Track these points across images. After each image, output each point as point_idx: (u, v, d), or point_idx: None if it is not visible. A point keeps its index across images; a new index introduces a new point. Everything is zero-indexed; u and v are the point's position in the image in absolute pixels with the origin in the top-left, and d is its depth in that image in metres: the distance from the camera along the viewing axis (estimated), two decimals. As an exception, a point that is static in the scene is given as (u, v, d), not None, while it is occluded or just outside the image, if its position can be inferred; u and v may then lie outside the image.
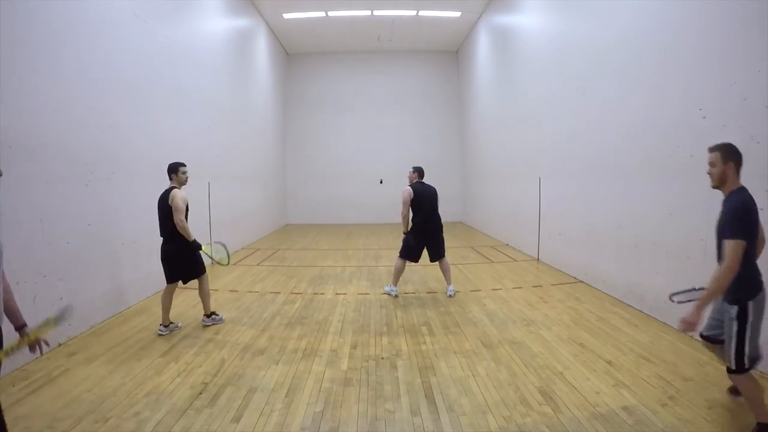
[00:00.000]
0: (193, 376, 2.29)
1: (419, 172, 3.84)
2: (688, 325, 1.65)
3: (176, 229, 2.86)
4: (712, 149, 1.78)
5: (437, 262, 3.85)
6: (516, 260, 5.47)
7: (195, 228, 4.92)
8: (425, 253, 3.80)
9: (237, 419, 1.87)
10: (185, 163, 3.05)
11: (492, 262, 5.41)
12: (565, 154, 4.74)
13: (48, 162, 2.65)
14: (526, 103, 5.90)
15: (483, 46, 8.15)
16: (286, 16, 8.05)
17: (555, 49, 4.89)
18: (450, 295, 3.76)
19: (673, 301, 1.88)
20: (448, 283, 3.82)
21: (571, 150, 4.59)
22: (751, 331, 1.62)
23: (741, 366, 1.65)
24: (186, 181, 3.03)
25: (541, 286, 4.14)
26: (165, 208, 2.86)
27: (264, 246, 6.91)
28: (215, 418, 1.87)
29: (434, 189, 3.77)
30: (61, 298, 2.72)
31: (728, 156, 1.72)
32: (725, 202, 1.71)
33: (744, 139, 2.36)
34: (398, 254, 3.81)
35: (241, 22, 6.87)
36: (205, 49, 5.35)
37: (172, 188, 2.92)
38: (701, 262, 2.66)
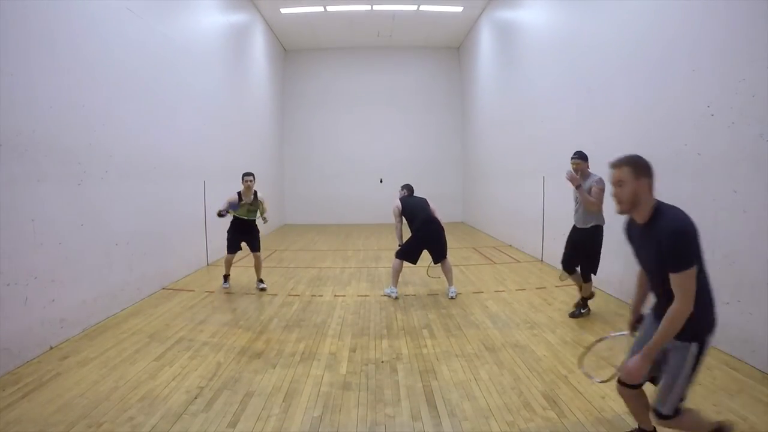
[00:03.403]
0: (189, 380, 2.24)
1: (407, 188, 3.99)
2: (629, 375, 1.36)
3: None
4: (615, 164, 1.41)
5: (439, 264, 3.84)
6: (519, 261, 5.42)
7: (193, 228, 4.91)
8: (426, 254, 3.79)
9: (233, 424, 1.83)
10: (251, 173, 3.98)
11: (494, 263, 5.36)
12: (569, 153, 4.64)
13: (40, 161, 2.58)
14: (529, 100, 5.83)
15: (485, 42, 8.06)
16: (283, 11, 7.95)
17: (559, 45, 4.82)
18: (451, 297, 3.72)
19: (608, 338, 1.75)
20: (450, 285, 3.80)
21: (575, 148, 4.50)
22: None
23: (677, 412, 1.36)
24: (247, 185, 3.93)
25: (544, 287, 4.10)
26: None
27: (262, 246, 6.85)
28: (211, 424, 1.83)
29: (424, 198, 3.90)
30: (53, 300, 2.66)
31: (640, 171, 1.36)
32: (653, 229, 1.35)
33: (753, 137, 2.31)
34: (395, 254, 3.79)
35: (238, 17, 6.78)
36: (201, 46, 5.28)
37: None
38: (709, 263, 2.59)
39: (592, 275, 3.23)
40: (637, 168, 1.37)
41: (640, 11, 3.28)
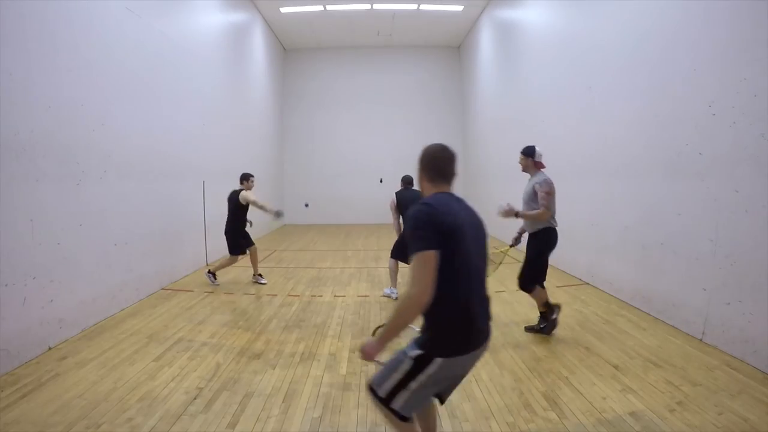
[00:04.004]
0: (188, 380, 2.23)
1: (404, 180, 3.94)
2: (362, 353, 1.20)
3: (236, 217, 4.15)
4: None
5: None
6: (519, 261, 5.37)
7: (192, 228, 4.90)
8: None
9: (233, 425, 1.83)
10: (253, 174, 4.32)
11: (494, 263, 5.36)
12: (569, 153, 4.67)
13: (38, 161, 2.57)
14: (529, 100, 5.82)
15: (486, 42, 8.04)
16: (283, 10, 7.93)
17: (560, 44, 4.81)
18: None
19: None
20: None
21: (576, 148, 4.52)
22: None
23: (400, 414, 1.21)
24: (252, 186, 4.24)
25: (545, 288, 4.09)
26: (233, 202, 4.12)
27: (261, 247, 6.82)
28: (210, 424, 1.83)
29: (417, 193, 3.80)
30: (52, 300, 2.65)
31: (419, 162, 1.32)
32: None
33: (754, 137, 2.30)
34: (390, 254, 3.79)
35: (237, 16, 6.76)
36: (201, 45, 5.26)
37: (241, 190, 4.14)
38: (710, 264, 2.60)
39: (548, 283, 2.89)
40: (419, 159, 1.33)
41: (641, 11, 3.26)
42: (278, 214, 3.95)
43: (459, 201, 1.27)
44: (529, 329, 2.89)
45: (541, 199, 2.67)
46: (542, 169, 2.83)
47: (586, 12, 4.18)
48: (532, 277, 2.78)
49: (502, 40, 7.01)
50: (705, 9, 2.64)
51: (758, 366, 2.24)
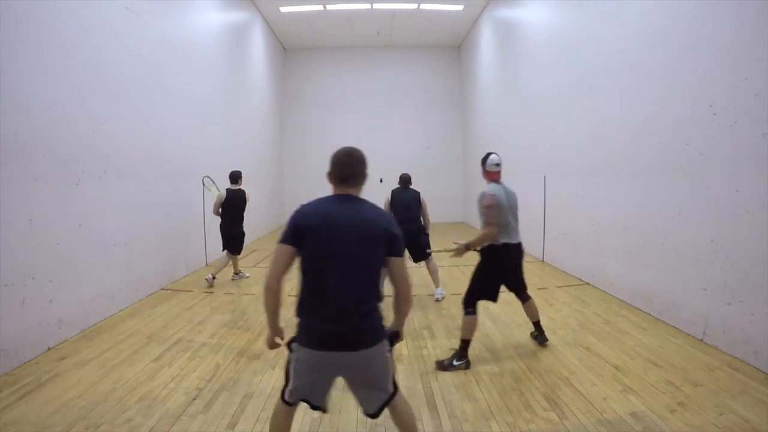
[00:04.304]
0: (187, 381, 2.23)
1: (401, 178, 3.90)
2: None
3: (243, 217, 4.26)
4: None
5: (424, 264, 3.77)
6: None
7: (192, 228, 4.89)
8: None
9: (232, 426, 1.82)
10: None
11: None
12: (570, 153, 4.66)
13: (37, 161, 2.57)
14: (530, 100, 5.81)
15: (486, 41, 8.03)
16: (282, 9, 7.91)
17: (561, 44, 4.80)
18: (438, 299, 3.68)
19: None
20: (437, 286, 3.74)
21: (577, 148, 4.51)
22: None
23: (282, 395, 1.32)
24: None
25: (546, 288, 4.08)
26: (240, 202, 4.23)
27: (260, 247, 6.83)
28: (210, 425, 1.82)
29: (413, 193, 3.77)
30: (51, 301, 2.64)
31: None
32: None
33: (756, 137, 2.29)
34: None
35: (237, 16, 6.75)
36: (200, 45, 5.25)
37: (242, 189, 4.27)
38: (711, 264, 2.60)
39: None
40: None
41: (642, 10, 3.26)
42: None
43: (348, 204, 1.26)
44: (442, 365, 2.38)
45: (481, 215, 2.36)
46: (494, 181, 2.45)
47: (587, 12, 4.17)
48: (471, 296, 2.42)
49: (503, 39, 7.00)
50: (706, 9, 2.63)
51: (759, 366, 2.23)
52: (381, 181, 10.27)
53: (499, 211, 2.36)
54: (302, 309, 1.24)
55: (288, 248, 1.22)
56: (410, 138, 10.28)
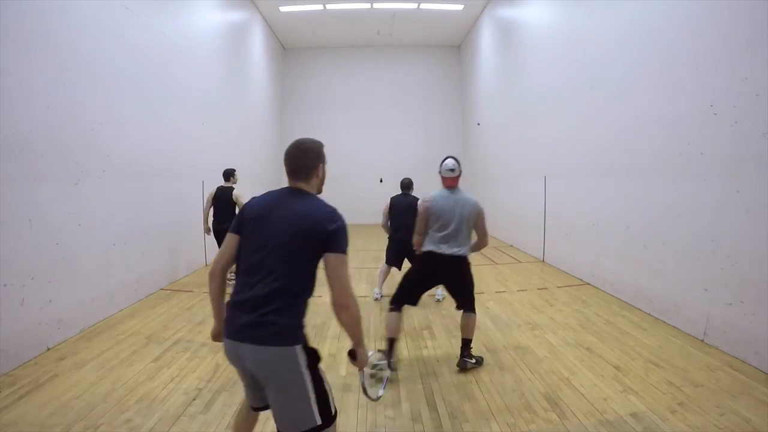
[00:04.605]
0: (187, 381, 2.22)
1: (402, 184, 3.87)
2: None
3: (231, 215, 4.02)
4: None
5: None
6: (520, 262, 5.40)
7: (191, 228, 4.88)
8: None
9: (232, 426, 1.81)
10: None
11: (496, 263, 5.35)
12: (571, 153, 4.66)
13: (36, 161, 2.56)
14: (530, 99, 5.81)
15: (486, 41, 8.02)
16: (282, 9, 7.90)
17: (561, 43, 4.79)
18: (438, 300, 3.68)
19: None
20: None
21: (577, 148, 4.51)
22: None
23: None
24: (237, 180, 4.30)
25: (546, 288, 4.08)
26: (228, 200, 4.14)
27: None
28: (210, 425, 1.82)
29: (411, 199, 3.71)
30: (50, 301, 2.64)
31: None
32: None
33: (756, 137, 2.29)
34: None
35: (236, 15, 6.74)
36: (200, 44, 5.24)
37: (231, 187, 4.21)
38: (712, 264, 2.59)
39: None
40: None
41: (643, 10, 3.25)
42: None
43: (290, 198, 1.21)
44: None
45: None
46: (448, 187, 2.33)
47: (587, 11, 4.17)
48: (395, 295, 2.40)
49: (503, 39, 6.99)
50: (707, 8, 2.63)
51: (760, 367, 2.23)
52: (381, 181, 10.29)
53: (425, 219, 2.30)
54: (231, 299, 1.20)
55: (232, 237, 1.24)
56: (410, 138, 10.27)
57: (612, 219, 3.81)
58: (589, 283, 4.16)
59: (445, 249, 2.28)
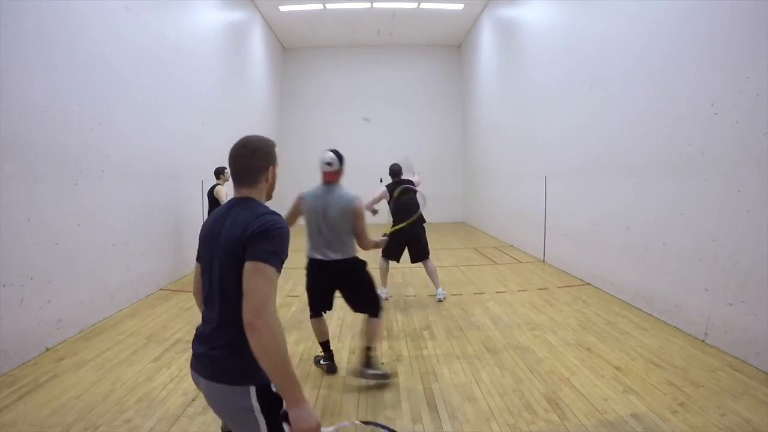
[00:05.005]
0: (186, 382, 2.21)
1: (392, 170, 3.73)
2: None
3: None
4: None
5: (422, 264, 3.68)
6: (521, 262, 5.38)
7: (191, 228, 4.88)
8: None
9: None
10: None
11: (496, 263, 5.33)
12: (571, 152, 4.65)
13: (35, 160, 2.55)
14: (531, 99, 5.80)
15: (486, 40, 8.01)
16: (282, 8, 7.90)
17: (561, 43, 4.78)
18: (440, 300, 3.63)
19: None
20: (437, 287, 3.69)
21: (578, 147, 4.50)
22: None
23: None
24: (228, 178, 4.29)
25: (546, 288, 4.07)
26: (211, 197, 4.27)
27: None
28: (209, 426, 1.81)
29: (411, 188, 3.62)
30: (49, 301, 2.63)
31: None
32: None
33: (757, 137, 2.28)
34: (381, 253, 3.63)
35: (236, 15, 6.73)
36: (199, 44, 5.23)
37: (217, 185, 4.28)
38: (712, 264, 2.58)
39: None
40: None
41: (644, 9, 3.24)
42: None
43: (233, 210, 1.02)
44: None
45: None
46: (326, 182, 2.15)
47: (588, 11, 4.16)
48: (310, 303, 2.28)
49: (503, 38, 6.98)
50: (707, 8, 2.62)
51: (761, 367, 2.22)
52: (381, 180, 10.26)
53: (296, 213, 2.13)
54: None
55: (196, 264, 1.12)
56: (410, 137, 10.26)
57: (612, 219, 3.80)
58: (589, 283, 4.15)
59: (322, 255, 2.09)
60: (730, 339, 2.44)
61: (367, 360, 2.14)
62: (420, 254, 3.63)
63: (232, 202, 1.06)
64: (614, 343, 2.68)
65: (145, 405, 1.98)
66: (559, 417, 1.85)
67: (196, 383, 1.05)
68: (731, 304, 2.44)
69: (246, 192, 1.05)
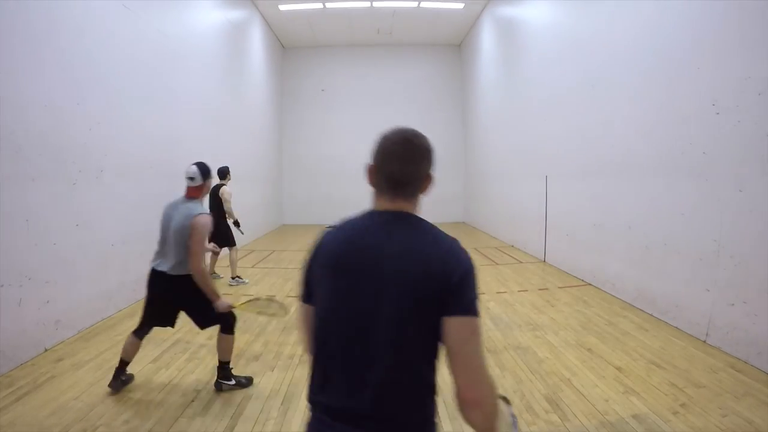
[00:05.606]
0: (185, 383, 2.21)
1: None
2: None
3: (221, 212, 4.16)
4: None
5: None
6: (521, 262, 5.38)
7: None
8: None
9: (231, 428, 1.81)
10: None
11: (496, 264, 5.32)
12: (573, 152, 4.64)
13: (34, 160, 2.54)
14: (532, 98, 5.78)
15: (487, 39, 7.99)
16: (281, 7, 7.88)
17: (562, 42, 4.77)
18: None
19: None
20: None
21: (579, 147, 4.49)
22: None
23: None
24: (230, 178, 4.41)
25: (547, 288, 4.06)
26: (214, 197, 4.20)
27: (259, 247, 6.82)
28: (208, 427, 1.81)
29: None
30: (48, 302, 2.62)
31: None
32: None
33: (759, 136, 2.27)
34: None
35: (236, 14, 6.71)
36: (198, 43, 5.22)
37: (222, 184, 4.24)
38: (714, 264, 2.57)
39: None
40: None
41: (645, 8, 3.23)
42: (236, 224, 4.25)
43: (389, 227, 0.75)
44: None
45: None
46: (190, 197, 2.11)
47: (589, 10, 4.14)
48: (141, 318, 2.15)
49: (504, 38, 6.97)
50: (708, 7, 2.60)
51: (763, 368, 2.22)
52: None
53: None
54: (309, 393, 0.76)
55: (304, 307, 0.80)
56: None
57: (613, 219, 3.79)
58: (590, 284, 4.14)
59: (160, 265, 2.01)
60: (731, 339, 2.43)
61: (224, 374, 2.14)
62: None
63: (384, 218, 0.75)
64: (615, 343, 2.67)
65: (144, 406, 1.97)
66: (560, 418, 1.85)
67: None
68: (733, 305, 2.43)
69: (402, 205, 0.77)
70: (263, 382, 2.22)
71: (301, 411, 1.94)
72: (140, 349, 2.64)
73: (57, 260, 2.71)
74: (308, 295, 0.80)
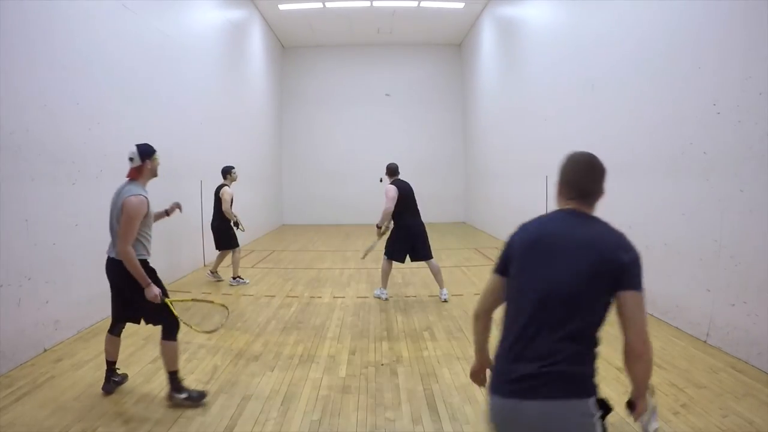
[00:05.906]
0: (185, 383, 2.19)
1: (392, 169, 3.80)
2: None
3: (220, 213, 4.21)
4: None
5: (426, 263, 3.67)
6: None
7: (189, 228, 4.86)
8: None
9: (230, 428, 1.81)
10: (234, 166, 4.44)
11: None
12: (573, 151, 4.61)
13: (33, 161, 2.54)
14: (532, 98, 5.78)
15: (487, 39, 7.99)
16: (281, 7, 7.88)
17: (562, 42, 4.77)
18: (444, 300, 3.62)
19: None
20: (441, 287, 3.66)
21: (578, 147, 4.36)
22: None
23: None
24: (236, 178, 4.42)
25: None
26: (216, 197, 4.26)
27: (259, 247, 6.82)
28: (208, 427, 1.81)
29: (410, 186, 3.70)
30: (47, 302, 2.62)
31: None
32: None
33: (760, 136, 2.26)
34: (384, 255, 3.66)
35: (236, 13, 6.71)
36: (198, 42, 5.22)
37: (224, 184, 4.26)
38: (714, 264, 2.57)
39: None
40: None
41: (645, 8, 3.23)
42: (236, 225, 4.26)
43: (580, 223, 1.06)
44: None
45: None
46: (130, 178, 2.08)
47: (589, 10, 4.14)
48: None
49: (504, 37, 6.96)
50: (709, 7, 2.60)
51: (763, 368, 2.21)
52: (381, 180, 10.25)
53: (138, 221, 1.98)
54: (497, 350, 1.03)
55: (496, 277, 1.06)
56: (410, 137, 10.24)
57: (614, 219, 3.70)
58: (590, 283, 4.14)
59: (108, 251, 1.96)
60: (732, 340, 2.43)
61: (174, 384, 2.00)
62: (426, 253, 3.63)
63: (573, 215, 1.06)
64: (616, 344, 2.63)
65: (144, 406, 1.97)
66: (560, 418, 1.85)
67: (505, 414, 0.94)
68: (733, 305, 2.43)
69: (586, 209, 1.09)
70: (263, 383, 2.22)
71: (300, 411, 1.94)
72: (140, 350, 2.65)
73: (56, 260, 2.71)
74: (504, 268, 1.05)
